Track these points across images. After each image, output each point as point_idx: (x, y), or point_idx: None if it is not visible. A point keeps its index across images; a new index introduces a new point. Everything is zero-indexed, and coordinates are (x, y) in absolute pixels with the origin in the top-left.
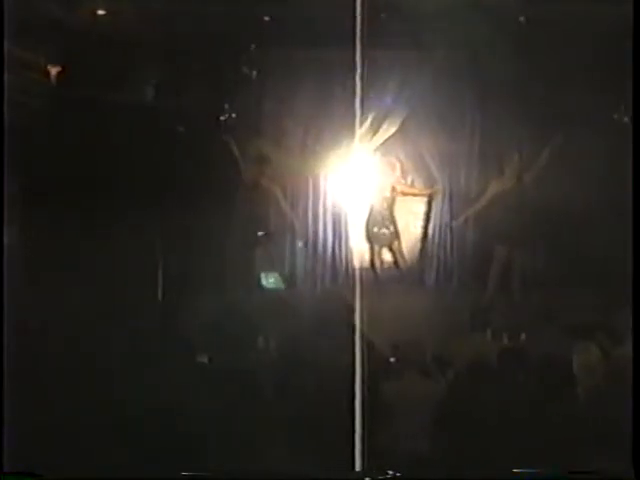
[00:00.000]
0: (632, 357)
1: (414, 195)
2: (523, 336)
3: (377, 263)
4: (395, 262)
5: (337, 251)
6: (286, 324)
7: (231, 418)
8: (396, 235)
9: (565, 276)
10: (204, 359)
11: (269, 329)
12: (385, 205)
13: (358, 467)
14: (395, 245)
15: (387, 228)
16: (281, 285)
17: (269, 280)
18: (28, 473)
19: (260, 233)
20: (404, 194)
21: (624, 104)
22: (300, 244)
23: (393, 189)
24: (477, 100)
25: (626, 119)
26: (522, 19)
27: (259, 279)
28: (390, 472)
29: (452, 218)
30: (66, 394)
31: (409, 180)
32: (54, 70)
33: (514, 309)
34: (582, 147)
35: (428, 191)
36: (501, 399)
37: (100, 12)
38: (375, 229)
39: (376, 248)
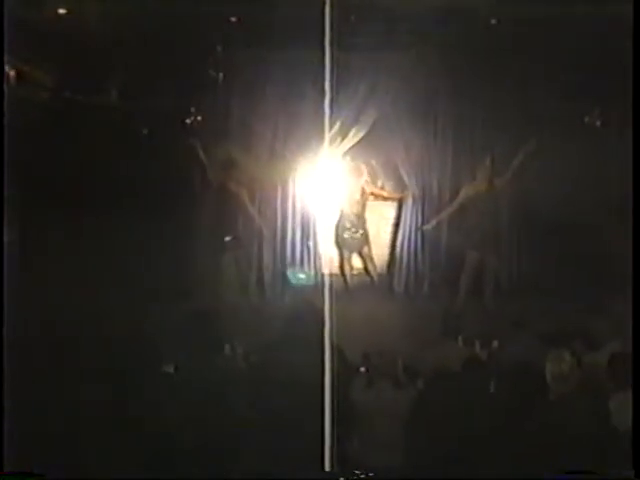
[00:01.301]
0: (632, 357)
1: (384, 199)
2: (495, 343)
3: (347, 269)
4: (365, 268)
5: (306, 257)
6: (254, 330)
7: (202, 423)
8: (366, 240)
9: (539, 281)
10: (170, 369)
11: (236, 335)
12: (355, 210)
13: (327, 468)
14: (365, 250)
15: (357, 233)
16: (312, 280)
17: (298, 276)
18: (28, 473)
19: (227, 238)
20: (374, 196)
21: (597, 108)
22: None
23: (362, 193)
24: (448, 103)
25: (598, 123)
26: (494, 21)
27: (285, 276)
28: (358, 472)
29: (423, 222)
30: (66, 394)
31: (379, 184)
32: (17, 70)
33: (486, 315)
34: (554, 151)
35: (398, 195)
36: (472, 406)
37: (62, 11)
38: (345, 234)
39: (346, 254)
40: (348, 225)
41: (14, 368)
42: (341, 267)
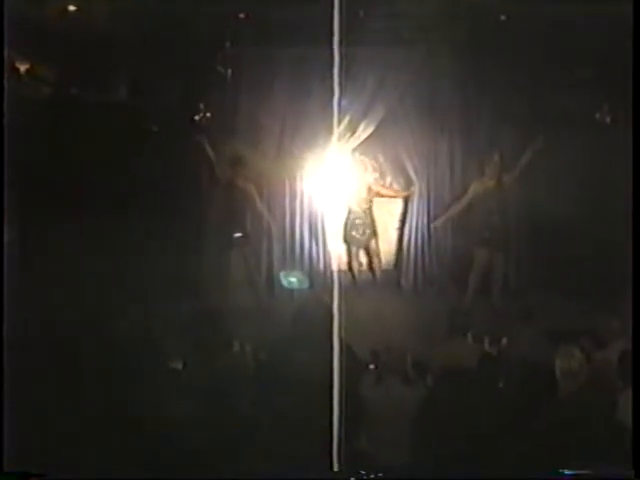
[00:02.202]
0: (632, 357)
1: (390, 197)
2: (504, 340)
3: (355, 266)
4: (372, 264)
5: (314, 253)
6: (263, 328)
7: (210, 421)
8: (374, 237)
9: (547, 279)
10: (178, 365)
11: (244, 333)
12: (363, 207)
13: (336, 469)
14: (373, 247)
15: (365, 230)
16: (305, 284)
17: (290, 280)
18: (28, 473)
19: (236, 235)
20: (381, 195)
21: (606, 104)
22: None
23: (369, 190)
24: (457, 99)
25: (608, 119)
26: (503, 17)
27: (279, 279)
28: (364, 472)
29: (431, 219)
30: (66, 394)
31: (387, 181)
32: (23, 67)
33: (495, 312)
34: (564, 147)
35: (404, 192)
36: (480, 403)
37: (71, 8)
38: (353, 231)
39: (354, 250)
40: (356, 222)
41: (14, 368)
42: (349, 264)
